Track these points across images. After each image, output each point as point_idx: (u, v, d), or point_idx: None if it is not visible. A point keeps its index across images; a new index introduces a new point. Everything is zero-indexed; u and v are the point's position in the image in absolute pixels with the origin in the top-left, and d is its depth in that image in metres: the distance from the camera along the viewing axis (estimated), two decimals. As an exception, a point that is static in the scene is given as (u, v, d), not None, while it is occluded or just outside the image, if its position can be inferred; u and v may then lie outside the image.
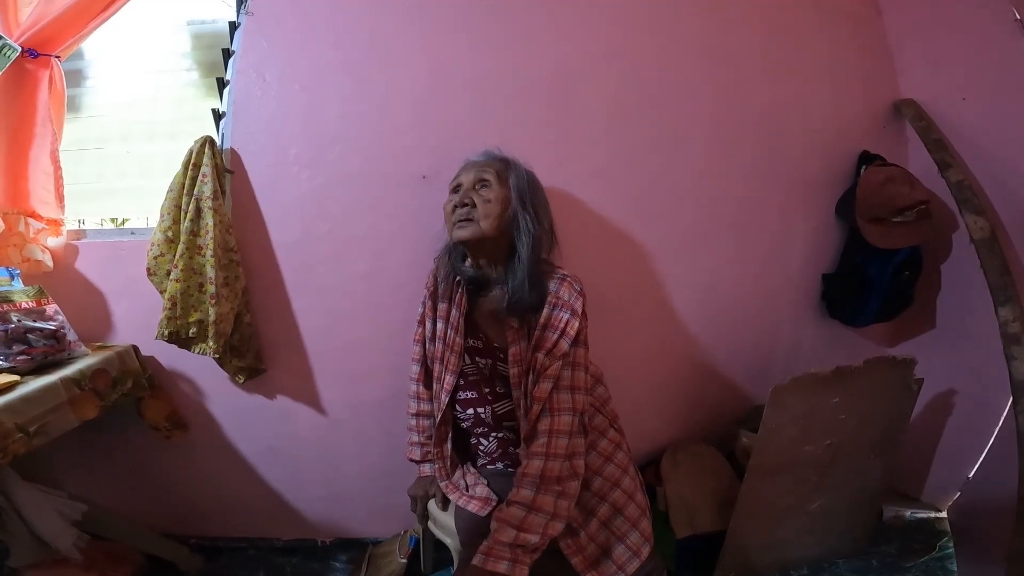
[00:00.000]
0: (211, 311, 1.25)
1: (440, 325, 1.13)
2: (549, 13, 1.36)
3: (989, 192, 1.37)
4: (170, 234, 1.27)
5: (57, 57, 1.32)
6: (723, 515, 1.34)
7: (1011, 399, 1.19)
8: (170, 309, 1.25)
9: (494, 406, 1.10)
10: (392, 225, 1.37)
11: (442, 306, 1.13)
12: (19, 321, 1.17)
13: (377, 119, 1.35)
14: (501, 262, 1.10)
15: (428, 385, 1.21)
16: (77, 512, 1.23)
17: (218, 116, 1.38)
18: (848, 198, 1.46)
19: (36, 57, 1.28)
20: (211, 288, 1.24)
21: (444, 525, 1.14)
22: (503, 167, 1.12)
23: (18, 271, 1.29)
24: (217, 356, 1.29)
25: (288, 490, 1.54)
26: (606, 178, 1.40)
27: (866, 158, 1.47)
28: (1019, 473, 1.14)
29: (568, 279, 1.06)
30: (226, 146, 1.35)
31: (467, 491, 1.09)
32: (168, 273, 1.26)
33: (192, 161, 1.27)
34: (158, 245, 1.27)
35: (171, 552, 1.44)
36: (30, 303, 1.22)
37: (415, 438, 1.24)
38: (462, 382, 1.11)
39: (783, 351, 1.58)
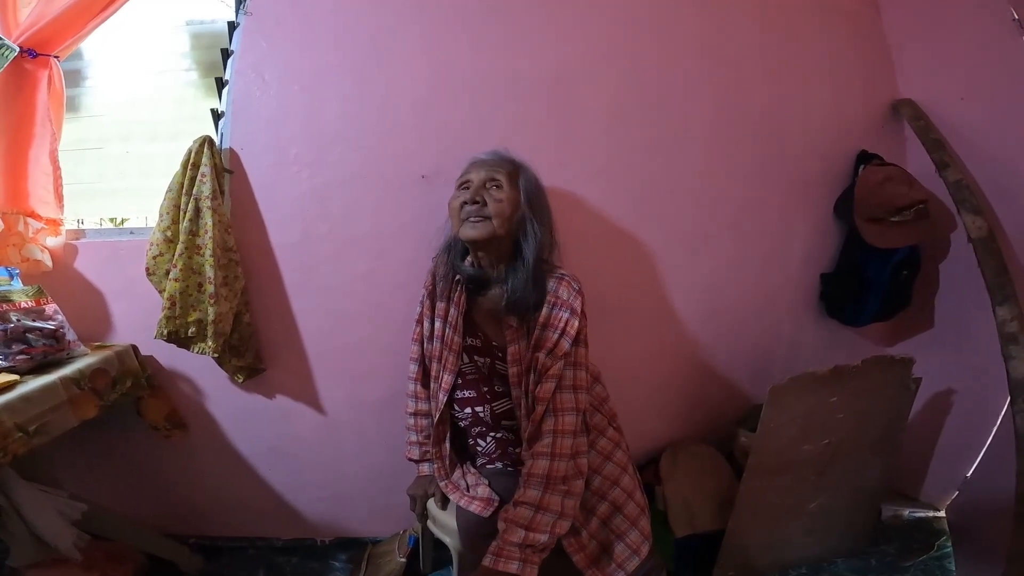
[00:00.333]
0: (210, 311, 1.25)
1: (438, 324, 1.13)
2: (549, 13, 1.36)
3: (987, 191, 1.38)
4: (169, 234, 1.27)
5: (56, 57, 1.32)
6: (722, 514, 1.34)
7: (1009, 398, 1.19)
8: (169, 309, 1.25)
9: (493, 405, 1.10)
10: (392, 225, 1.37)
11: (440, 305, 1.13)
12: (18, 321, 1.17)
13: (377, 119, 1.35)
14: (503, 261, 1.10)
15: (426, 384, 1.21)
16: (77, 512, 1.23)
17: (217, 116, 1.38)
18: (846, 198, 1.46)
19: (35, 57, 1.28)
20: (210, 288, 1.25)
21: (443, 524, 1.14)
22: (513, 169, 1.12)
23: (17, 271, 1.29)
24: (216, 355, 1.29)
25: (288, 490, 1.54)
26: (606, 178, 1.41)
27: (864, 157, 1.47)
28: (1017, 472, 1.14)
29: (567, 278, 1.07)
30: (225, 146, 1.35)
31: (468, 491, 1.09)
32: (167, 273, 1.26)
33: (191, 161, 1.27)
34: (157, 245, 1.28)
35: (171, 552, 1.44)
36: (29, 303, 1.23)
37: (413, 437, 1.24)
38: (460, 381, 1.12)
39: (782, 351, 1.58)
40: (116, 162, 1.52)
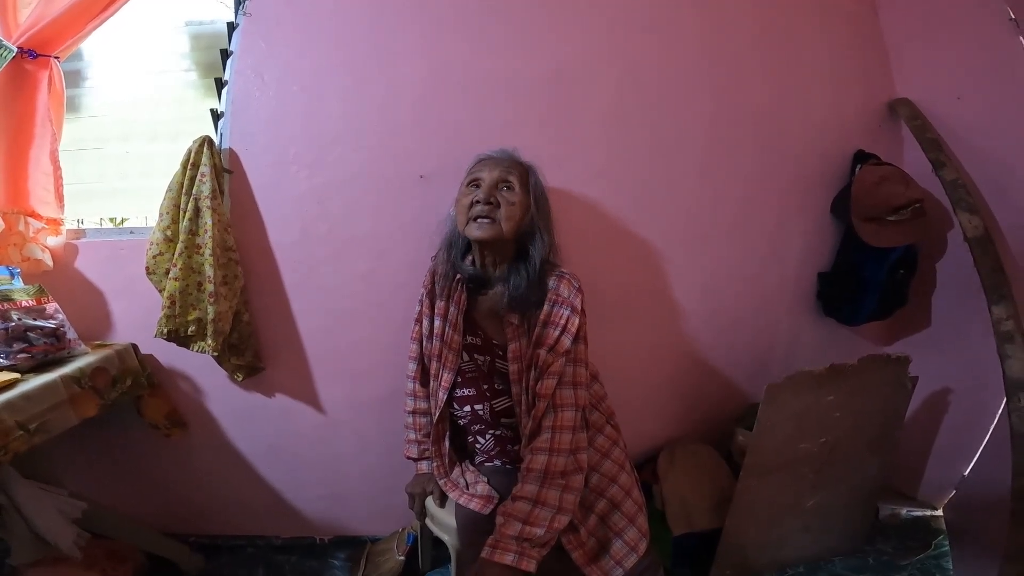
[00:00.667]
0: (210, 309, 1.25)
1: (438, 323, 1.13)
2: (549, 14, 1.37)
3: (983, 191, 1.38)
4: (169, 233, 1.28)
5: (56, 58, 1.32)
6: (720, 513, 1.35)
7: (1005, 397, 1.19)
8: (169, 308, 1.25)
9: (492, 403, 1.11)
10: (392, 225, 1.38)
11: (440, 304, 1.14)
12: (19, 319, 1.18)
13: (376, 119, 1.35)
14: (506, 262, 1.11)
15: (425, 383, 1.22)
16: (77, 510, 1.24)
17: (216, 116, 1.38)
18: (843, 197, 1.47)
19: (35, 58, 1.29)
20: (210, 287, 1.25)
21: (442, 522, 1.15)
22: (524, 172, 1.12)
23: (18, 270, 1.29)
24: (216, 354, 1.29)
25: (287, 488, 1.54)
26: (605, 178, 1.41)
27: (861, 157, 1.48)
28: (1014, 471, 1.14)
29: (567, 276, 1.08)
30: (225, 146, 1.36)
31: (467, 489, 1.10)
32: (167, 272, 1.27)
33: (191, 161, 1.27)
34: (157, 244, 1.28)
35: (171, 550, 1.44)
36: (30, 302, 1.23)
37: (412, 436, 1.25)
38: (459, 379, 1.12)
39: (780, 349, 1.58)
40: (116, 162, 1.53)
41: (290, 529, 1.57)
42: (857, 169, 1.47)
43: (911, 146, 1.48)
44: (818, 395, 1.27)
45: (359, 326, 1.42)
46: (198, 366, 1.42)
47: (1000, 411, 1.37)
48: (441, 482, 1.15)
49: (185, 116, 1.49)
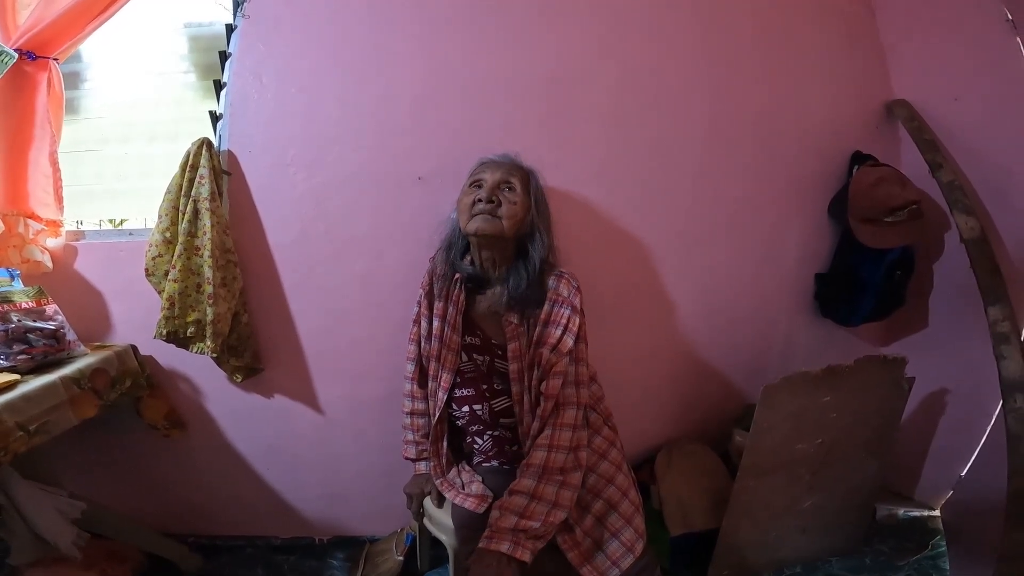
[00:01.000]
0: (209, 311, 1.26)
1: (437, 323, 1.14)
2: (546, 15, 1.37)
3: (980, 192, 1.39)
4: (168, 235, 1.28)
5: (55, 59, 1.33)
6: (717, 513, 1.35)
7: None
8: (168, 309, 1.26)
9: (491, 403, 1.11)
10: (390, 226, 1.38)
11: (439, 304, 1.14)
12: (19, 321, 1.18)
13: (374, 120, 1.36)
14: (505, 262, 1.12)
15: (423, 384, 1.22)
16: (77, 510, 1.24)
17: (215, 118, 1.39)
18: (840, 198, 1.47)
19: (34, 60, 1.29)
20: (209, 288, 1.26)
21: (440, 522, 1.15)
22: (525, 175, 1.15)
23: (18, 272, 1.30)
24: (215, 355, 1.30)
25: (286, 489, 1.55)
26: (603, 178, 1.42)
27: (858, 158, 1.48)
28: (1010, 472, 1.15)
29: (566, 276, 1.09)
30: (223, 148, 1.36)
31: (463, 489, 1.10)
32: (166, 273, 1.27)
33: (189, 163, 1.28)
34: (156, 246, 1.29)
35: (170, 550, 1.45)
36: (30, 303, 1.24)
37: (410, 436, 1.25)
38: (458, 380, 1.13)
39: (777, 350, 1.59)
40: (115, 163, 1.53)
41: (289, 529, 1.58)
42: (854, 170, 1.47)
43: (908, 147, 1.49)
44: (815, 396, 1.27)
45: (357, 326, 1.43)
46: (197, 367, 1.43)
47: (997, 411, 1.37)
48: (437, 482, 1.15)
49: (184, 117, 1.49)
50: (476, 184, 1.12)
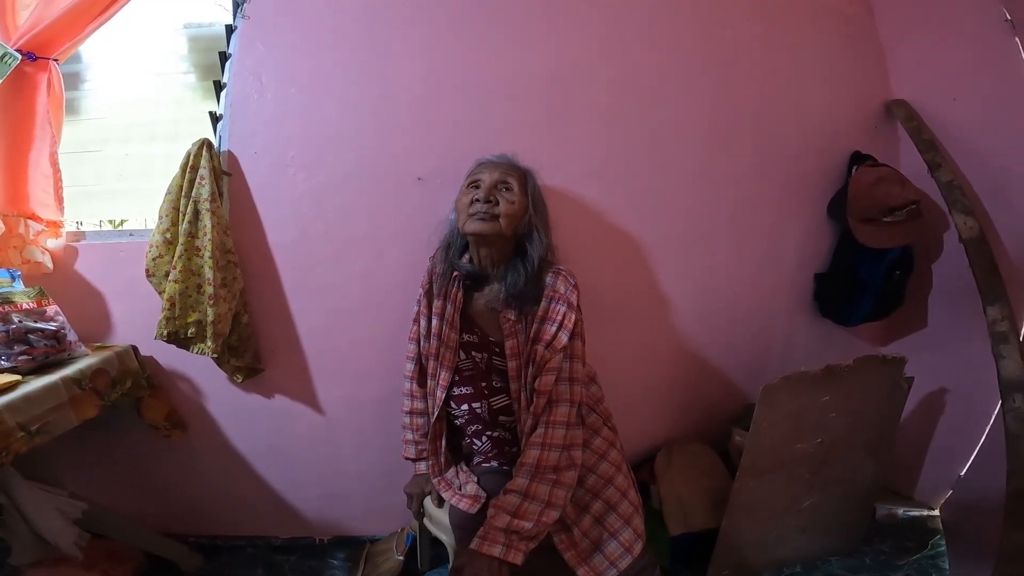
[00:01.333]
0: (209, 311, 1.26)
1: (435, 321, 1.14)
2: (545, 15, 1.37)
3: (979, 192, 1.39)
4: (168, 236, 1.29)
5: (55, 60, 1.33)
6: (717, 513, 1.35)
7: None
8: (169, 310, 1.26)
9: (490, 400, 1.11)
10: (389, 226, 1.38)
11: (437, 303, 1.15)
12: (20, 322, 1.18)
13: (374, 121, 1.36)
14: (504, 261, 1.13)
15: (422, 383, 1.23)
16: (78, 511, 1.24)
17: (215, 119, 1.39)
18: (840, 198, 1.47)
19: (34, 60, 1.29)
20: (209, 289, 1.26)
21: (440, 522, 1.16)
22: (523, 175, 1.16)
23: (19, 272, 1.30)
24: (215, 356, 1.30)
25: (286, 489, 1.55)
26: (602, 179, 1.42)
27: (857, 158, 1.48)
28: (1009, 471, 1.15)
29: (563, 273, 1.10)
30: (223, 148, 1.36)
31: (459, 489, 1.11)
32: (167, 274, 1.27)
33: (190, 164, 1.28)
34: (157, 247, 1.29)
35: (171, 551, 1.45)
36: (31, 304, 1.24)
37: (410, 436, 1.26)
38: (457, 378, 1.13)
39: (776, 350, 1.59)
40: (115, 164, 1.53)
41: (289, 529, 1.58)
42: (853, 170, 1.47)
43: (907, 147, 1.49)
44: (814, 395, 1.28)
45: (357, 326, 1.43)
46: (198, 367, 1.43)
47: (996, 412, 1.37)
48: (435, 481, 1.15)
49: (184, 118, 1.49)
50: (474, 184, 1.13)
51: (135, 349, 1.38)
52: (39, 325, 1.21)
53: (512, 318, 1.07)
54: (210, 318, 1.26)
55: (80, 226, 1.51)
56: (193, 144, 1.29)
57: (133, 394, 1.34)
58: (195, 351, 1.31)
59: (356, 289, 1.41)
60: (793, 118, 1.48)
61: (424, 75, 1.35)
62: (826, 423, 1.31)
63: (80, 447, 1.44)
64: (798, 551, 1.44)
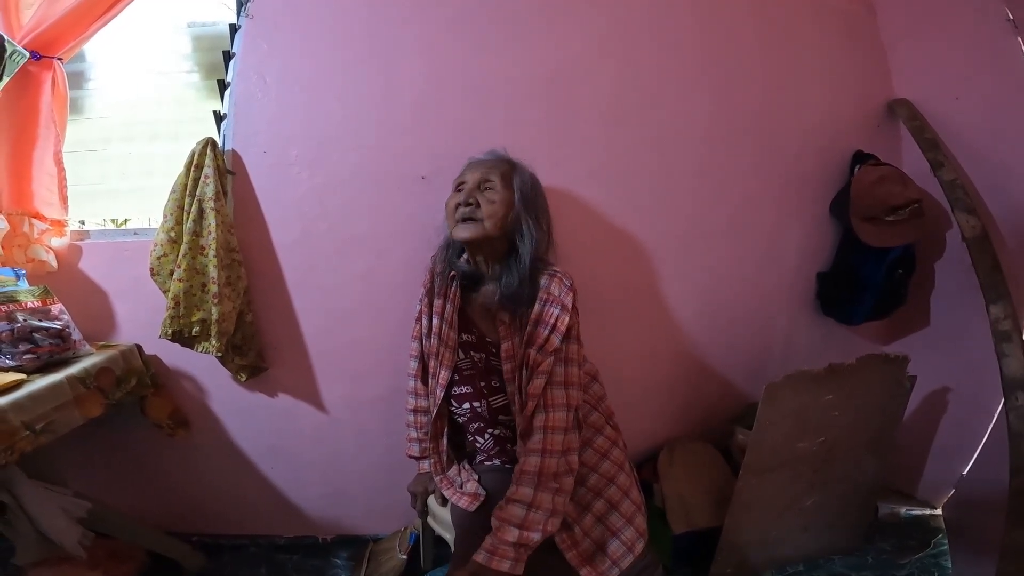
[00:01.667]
0: (214, 310, 1.26)
1: (435, 320, 1.15)
2: (545, 15, 1.38)
3: (981, 191, 1.39)
4: (173, 234, 1.29)
5: (59, 59, 1.33)
6: (720, 511, 1.35)
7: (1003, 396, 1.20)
8: (173, 308, 1.26)
9: (490, 400, 1.12)
10: (392, 225, 1.39)
11: (438, 302, 1.15)
12: (25, 320, 1.19)
13: (377, 120, 1.36)
14: (498, 260, 1.12)
15: (426, 381, 1.23)
16: (82, 510, 1.24)
17: (219, 118, 1.39)
18: (842, 197, 1.47)
19: (39, 59, 1.30)
20: (213, 288, 1.26)
21: (443, 521, 1.16)
22: (508, 169, 1.14)
23: (23, 271, 1.30)
24: (219, 355, 1.30)
25: (289, 488, 1.55)
26: (603, 178, 1.42)
27: (860, 157, 1.48)
28: (1011, 469, 1.15)
29: (559, 274, 1.08)
30: (227, 147, 1.37)
31: (460, 488, 1.11)
32: (171, 273, 1.28)
33: (194, 162, 1.28)
34: (161, 245, 1.29)
35: (174, 550, 1.45)
36: (35, 303, 1.24)
37: (414, 434, 1.26)
38: (457, 377, 1.13)
39: (778, 349, 1.59)
40: (119, 163, 1.54)
41: (292, 528, 1.58)
42: (856, 169, 1.47)
43: (909, 146, 1.49)
44: (817, 394, 1.28)
45: (360, 325, 1.43)
46: (202, 366, 1.43)
47: (999, 410, 1.38)
48: (437, 479, 1.15)
49: (187, 117, 1.50)
50: (459, 187, 1.14)
51: (139, 348, 1.38)
52: (44, 324, 1.21)
53: (507, 321, 1.07)
54: (214, 317, 1.26)
55: (83, 225, 1.51)
56: (197, 143, 1.30)
57: (137, 393, 1.34)
58: (199, 350, 1.31)
59: (358, 288, 1.41)
60: (794, 117, 1.48)
61: (426, 74, 1.36)
62: (828, 422, 1.31)
63: (84, 446, 1.44)
64: (800, 550, 1.44)
